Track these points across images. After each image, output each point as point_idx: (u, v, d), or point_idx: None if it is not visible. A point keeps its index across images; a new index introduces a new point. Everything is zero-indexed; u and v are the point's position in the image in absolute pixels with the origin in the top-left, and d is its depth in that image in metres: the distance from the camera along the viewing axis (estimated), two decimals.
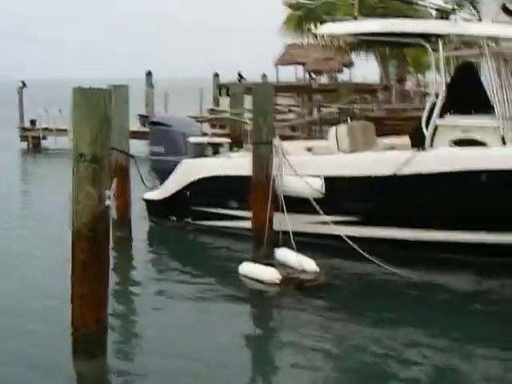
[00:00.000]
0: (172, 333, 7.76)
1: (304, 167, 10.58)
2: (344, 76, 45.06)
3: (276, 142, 10.47)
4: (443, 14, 11.01)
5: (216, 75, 37.60)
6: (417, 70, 31.87)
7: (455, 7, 10.18)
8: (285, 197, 10.33)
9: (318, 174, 10.53)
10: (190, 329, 7.91)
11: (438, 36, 10.17)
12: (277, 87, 18.49)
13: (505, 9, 13.20)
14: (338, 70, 43.36)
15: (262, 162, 10.27)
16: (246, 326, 8.29)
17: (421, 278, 9.42)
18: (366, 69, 38.61)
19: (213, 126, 24.45)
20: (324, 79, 40.70)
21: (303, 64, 46.54)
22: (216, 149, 13.10)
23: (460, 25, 9.98)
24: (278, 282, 9.27)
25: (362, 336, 7.72)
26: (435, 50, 10.43)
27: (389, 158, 10.40)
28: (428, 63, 37.07)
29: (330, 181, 10.46)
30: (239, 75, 35.95)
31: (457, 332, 7.77)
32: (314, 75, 36.95)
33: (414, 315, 8.36)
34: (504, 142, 9.97)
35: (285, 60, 46.81)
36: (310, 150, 12.42)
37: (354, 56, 30.84)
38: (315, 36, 14.48)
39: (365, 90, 19.64)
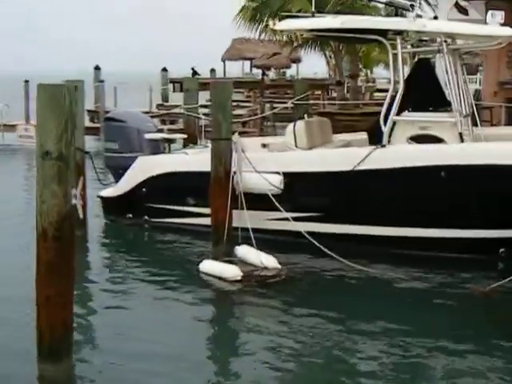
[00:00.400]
0: (133, 332, 7.62)
1: (263, 164, 10.55)
2: (292, 71, 45.33)
3: (235, 138, 10.41)
4: (399, 11, 11.09)
5: (164, 70, 37.36)
6: (365, 65, 32.23)
7: (413, 4, 10.20)
8: (244, 193, 10.29)
9: (278, 170, 10.51)
10: (152, 328, 7.78)
11: (396, 33, 10.22)
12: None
13: (458, 6, 13.40)
14: (286, 65, 43.59)
15: (222, 158, 10.20)
16: (208, 323, 8.22)
17: (380, 273, 9.45)
18: (313, 65, 38.91)
19: (163, 122, 24.27)
20: (272, 74, 40.81)
21: (251, 59, 46.65)
22: (168, 145, 12.93)
23: (419, 22, 10.04)
24: (239, 278, 9.20)
25: (323, 331, 7.72)
26: (393, 46, 10.48)
27: (348, 154, 10.44)
28: (377, 59, 37.66)
29: (289, 177, 10.46)
30: (193, 70, 35.80)
31: (414, 325, 7.85)
32: (266, 71, 36.98)
33: (373, 310, 8.37)
34: (462, 139, 10.06)
35: (232, 55, 46.89)
36: (265, 146, 12.41)
37: (302, 52, 30.98)
38: (273, 31, 14.49)
39: (319, 86, 19.69)
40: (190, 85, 15.37)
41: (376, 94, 31.26)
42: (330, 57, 31.28)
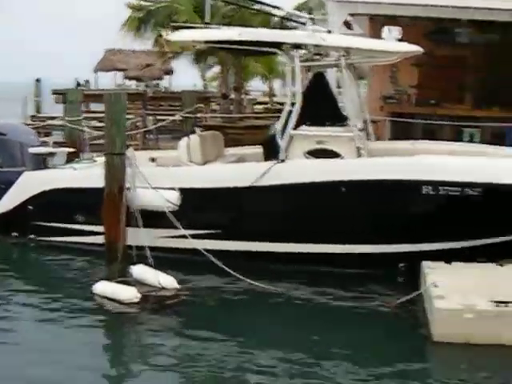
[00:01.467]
0: (18, 359, 7.15)
1: (159, 179, 10.17)
2: (164, 83, 44.95)
3: (129, 152, 10.00)
4: (290, 25, 11.01)
5: (37, 80, 36.08)
6: (243, 78, 32.15)
7: (311, 18, 10.13)
8: (139, 210, 9.88)
9: (174, 186, 10.16)
10: (38, 356, 7.28)
11: (295, 46, 10.09)
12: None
13: (346, 23, 13.53)
14: (158, 76, 43.26)
15: (115, 174, 9.78)
16: (102, 349, 7.80)
17: (282, 291, 9.28)
18: (185, 76, 38.73)
19: (38, 134, 23.30)
20: (144, 86, 40.32)
21: (123, 70, 45.95)
22: (45, 159, 12.32)
23: (318, 36, 9.97)
24: (136, 300, 8.78)
25: (224, 352, 7.48)
26: (291, 59, 10.35)
27: (246, 170, 10.23)
28: (254, 72, 37.81)
29: (186, 193, 10.13)
30: (77, 82, 34.89)
31: (314, 342, 7.77)
32: (154, 83, 36.50)
33: (276, 328, 8.28)
34: (359, 153, 10.04)
35: (104, 66, 46.04)
36: (153, 160, 12.02)
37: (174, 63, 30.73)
38: (167, 42, 14.14)
39: (203, 99, 19.45)
40: (73, 96, 14.78)
41: (256, 106, 31.40)
42: (203, 69, 31.19)
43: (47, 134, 22.79)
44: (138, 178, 10.06)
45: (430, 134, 16.18)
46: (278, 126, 10.43)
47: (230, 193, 10.01)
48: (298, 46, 10.14)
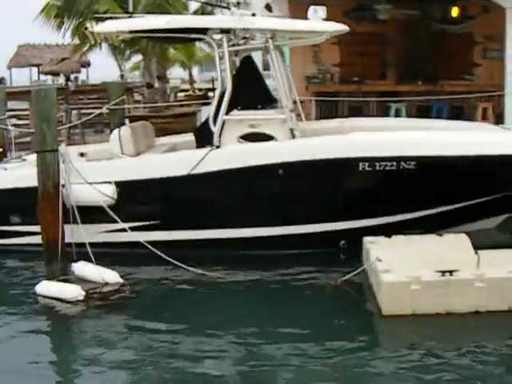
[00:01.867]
0: None
1: (93, 174, 10.01)
2: (82, 76, 44.18)
3: (62, 148, 9.79)
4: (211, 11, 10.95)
5: None
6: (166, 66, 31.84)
7: (238, 2, 10.06)
8: (77, 207, 9.70)
9: (109, 179, 10.01)
10: None
11: (223, 31, 10.03)
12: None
13: (267, 6, 13.55)
14: (76, 70, 42.51)
15: (49, 171, 9.54)
16: (48, 351, 7.67)
17: (226, 277, 9.28)
18: (102, 68, 38.17)
19: None
20: (61, 80, 39.53)
21: (38, 65, 44.99)
22: None
23: (246, 19, 9.90)
24: (81, 298, 8.63)
25: (173, 344, 7.42)
26: (219, 44, 10.30)
27: (181, 158, 10.16)
28: (173, 59, 37.53)
29: (122, 186, 10.00)
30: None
31: (262, 324, 7.78)
32: (72, 76, 35.71)
33: (224, 314, 8.27)
34: (293, 134, 10.07)
35: (18, 62, 44.96)
36: (83, 155, 11.80)
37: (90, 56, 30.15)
38: (92, 34, 13.80)
39: (127, 89, 19.15)
40: None
41: (179, 94, 31.18)
42: (121, 60, 30.78)
43: None
44: (73, 173, 9.86)
45: (357, 111, 16.46)
46: (210, 112, 10.35)
47: (167, 182, 9.93)
48: (226, 31, 10.09)
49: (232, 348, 7.32)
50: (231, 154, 9.94)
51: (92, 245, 9.45)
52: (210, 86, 43.86)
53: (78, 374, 7.02)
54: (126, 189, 9.99)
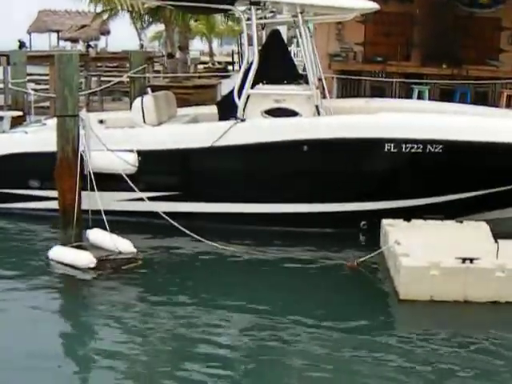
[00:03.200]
0: None
1: (115, 141, 9.90)
2: (101, 44, 44.15)
3: (83, 114, 9.68)
4: None
5: None
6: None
7: None
8: (95, 174, 9.60)
9: (131, 148, 9.89)
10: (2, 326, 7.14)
11: (252, 2, 9.85)
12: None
13: None
14: (95, 37, 42.46)
15: (69, 137, 9.40)
16: (59, 317, 7.64)
17: (243, 251, 9.20)
18: (122, 37, 38.03)
19: None
20: (80, 47, 39.51)
21: (58, 31, 44.91)
22: None
23: None
24: (92, 266, 8.58)
25: (182, 315, 7.36)
26: (247, 17, 10.14)
27: (205, 130, 10.01)
28: (196, 31, 37.36)
29: (144, 155, 9.88)
30: (20, 42, 33.73)
31: (278, 302, 7.75)
32: (92, 43, 35.61)
33: (237, 288, 8.20)
34: (318, 111, 9.94)
35: (37, 27, 44.94)
36: (102, 122, 11.70)
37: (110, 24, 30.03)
38: (119, 1, 13.65)
39: (148, 58, 19.03)
40: (17, 58, 14.23)
41: (199, 66, 31.03)
42: (141, 29, 30.58)
43: None
44: (93, 140, 9.76)
45: (379, 92, 16.27)
46: (235, 84, 10.20)
47: (189, 154, 9.82)
48: (255, 3, 9.90)
49: (243, 323, 7.27)
50: (256, 127, 9.79)
51: (110, 213, 9.37)
52: (229, 59, 43.81)
53: (84, 339, 7.03)
54: (148, 158, 9.88)
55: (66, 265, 8.66)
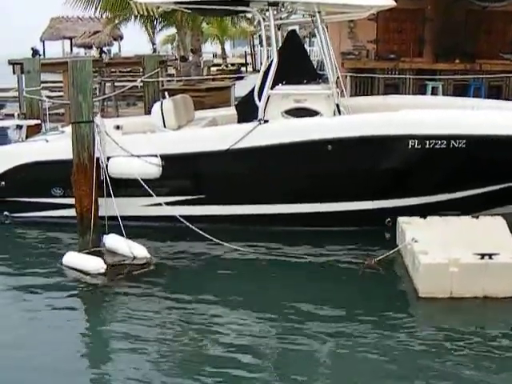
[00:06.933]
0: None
1: (136, 146, 9.91)
2: (114, 49, 44.26)
3: (97, 120, 9.72)
4: None
5: None
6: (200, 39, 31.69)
7: None
8: (112, 179, 9.61)
9: (154, 153, 9.85)
10: (16, 329, 7.25)
11: (270, 3, 9.80)
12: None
13: None
14: (108, 43, 42.55)
15: (84, 143, 9.47)
16: (69, 323, 7.59)
17: (260, 253, 9.22)
18: (134, 42, 38.13)
19: None
20: (94, 53, 39.59)
21: (71, 38, 45.04)
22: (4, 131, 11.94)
23: None
24: (103, 271, 8.62)
25: (196, 318, 7.41)
26: (266, 18, 10.13)
27: (228, 132, 9.92)
28: (207, 34, 37.36)
29: (167, 160, 9.81)
30: (33, 50, 33.82)
31: (298, 301, 7.73)
32: (105, 49, 35.71)
33: (258, 289, 8.24)
34: (339, 110, 9.92)
35: (50, 34, 45.07)
36: (119, 127, 11.69)
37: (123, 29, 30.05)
38: (135, 5, 13.74)
39: (161, 62, 19.05)
40: (31, 66, 14.29)
41: (212, 68, 31.02)
42: (153, 33, 30.61)
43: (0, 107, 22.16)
44: (112, 146, 9.78)
45: (393, 89, 16.24)
46: (255, 86, 10.12)
47: (215, 156, 9.76)
48: (273, 4, 9.85)
49: (261, 324, 7.27)
50: (280, 128, 9.75)
51: (126, 218, 9.37)
52: (242, 60, 43.81)
53: (94, 345, 7.12)
54: (172, 162, 9.83)
55: (77, 270, 8.71)
